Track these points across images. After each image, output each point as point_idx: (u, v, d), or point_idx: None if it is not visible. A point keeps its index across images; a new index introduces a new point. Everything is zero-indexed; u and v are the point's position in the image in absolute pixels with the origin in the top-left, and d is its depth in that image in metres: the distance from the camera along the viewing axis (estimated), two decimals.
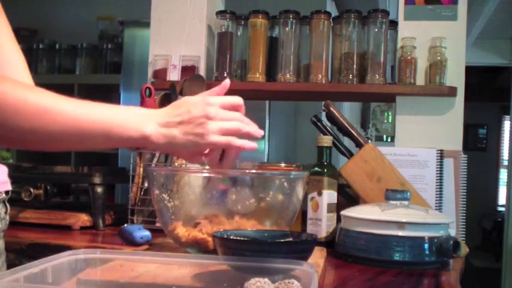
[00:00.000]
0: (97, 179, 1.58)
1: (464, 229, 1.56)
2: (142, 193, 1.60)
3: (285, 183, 1.11)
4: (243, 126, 0.87)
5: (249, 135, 0.88)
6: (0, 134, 0.78)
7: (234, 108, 0.89)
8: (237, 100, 0.90)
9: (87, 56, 3.60)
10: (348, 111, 3.70)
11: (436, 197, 1.51)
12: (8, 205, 1.01)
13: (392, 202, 1.25)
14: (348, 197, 1.50)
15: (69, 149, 0.90)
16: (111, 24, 3.73)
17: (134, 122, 0.82)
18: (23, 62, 0.99)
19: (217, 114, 0.85)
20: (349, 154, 1.51)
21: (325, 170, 1.38)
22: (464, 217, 1.57)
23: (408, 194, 1.25)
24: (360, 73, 1.75)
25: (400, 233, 1.17)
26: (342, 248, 1.25)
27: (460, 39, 1.72)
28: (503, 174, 7.29)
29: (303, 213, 1.41)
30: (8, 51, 0.96)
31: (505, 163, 5.74)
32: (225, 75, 1.81)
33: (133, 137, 0.82)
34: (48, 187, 1.67)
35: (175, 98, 1.59)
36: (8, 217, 1.01)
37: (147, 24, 1.95)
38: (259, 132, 0.89)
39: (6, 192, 1.00)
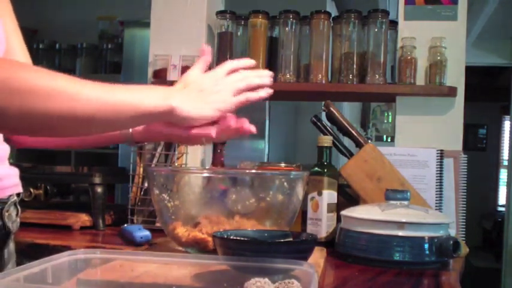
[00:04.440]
0: (97, 179, 1.58)
1: (464, 229, 1.56)
2: (142, 193, 1.60)
3: (285, 183, 1.11)
4: (251, 80, 0.95)
5: (260, 86, 0.97)
6: (28, 122, 0.76)
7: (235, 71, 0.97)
8: (234, 65, 0.98)
9: (87, 56, 3.61)
10: (348, 111, 3.70)
11: (436, 197, 1.51)
12: (19, 207, 1.01)
13: (392, 202, 1.25)
14: (348, 197, 1.50)
15: (104, 131, 0.92)
16: (111, 24, 3.73)
17: (160, 97, 0.86)
18: (29, 62, 1.01)
19: (226, 82, 0.94)
20: (349, 154, 1.51)
21: (325, 170, 1.38)
22: (464, 217, 1.57)
23: (408, 194, 1.25)
24: (360, 73, 1.75)
25: (400, 233, 1.17)
26: (342, 248, 1.25)
27: (460, 39, 1.72)
28: (503, 174, 7.29)
29: (303, 213, 1.41)
30: (17, 56, 0.99)
31: (505, 163, 5.74)
32: None
33: (162, 111, 0.85)
34: (48, 187, 1.67)
35: None
36: (19, 219, 1.01)
37: (147, 24, 1.95)
38: (267, 77, 0.97)
39: (18, 195, 1.01)
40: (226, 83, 0.95)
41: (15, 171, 1.00)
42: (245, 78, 0.96)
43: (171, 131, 0.95)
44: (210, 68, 1.02)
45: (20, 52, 1.01)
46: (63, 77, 0.79)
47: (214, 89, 0.93)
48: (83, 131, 0.86)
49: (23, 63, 0.83)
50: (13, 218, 0.99)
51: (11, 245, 1.00)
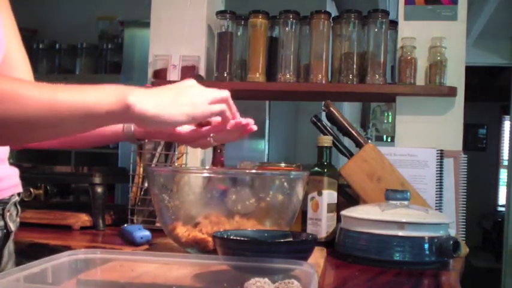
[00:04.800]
0: (97, 179, 1.58)
1: (464, 229, 1.56)
2: (142, 193, 1.60)
3: (285, 183, 1.11)
4: (231, 108, 0.90)
5: (233, 117, 0.92)
6: None
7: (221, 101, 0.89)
8: (225, 94, 0.90)
9: (87, 56, 3.61)
10: (348, 111, 3.70)
11: (436, 197, 1.51)
12: (19, 207, 1.01)
13: (392, 202, 1.25)
14: (348, 197, 1.50)
15: (50, 135, 0.82)
16: (111, 24, 3.73)
17: (113, 94, 0.77)
18: (27, 64, 1.00)
19: (204, 89, 0.87)
20: (349, 154, 1.50)
21: (325, 170, 1.38)
22: (464, 217, 1.57)
23: (408, 194, 1.25)
24: (360, 73, 1.75)
25: (400, 233, 1.17)
26: (342, 248, 1.25)
27: (460, 39, 1.72)
28: (503, 174, 7.28)
29: (303, 213, 1.41)
30: (14, 55, 0.98)
31: (505, 163, 5.74)
32: (225, 75, 1.81)
33: (115, 110, 0.76)
34: (48, 187, 1.67)
35: None
36: (18, 219, 1.01)
37: (147, 24, 1.95)
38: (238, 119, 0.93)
39: (18, 194, 1.01)
40: (204, 90, 0.86)
41: (15, 172, 1.00)
42: (228, 103, 0.89)
43: (171, 129, 0.95)
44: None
45: (17, 52, 0.99)
46: (4, 79, 0.74)
47: (187, 91, 0.84)
48: (30, 135, 0.79)
49: None
50: (14, 218, 0.99)
51: (11, 245, 1.01)
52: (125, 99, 0.77)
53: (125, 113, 0.77)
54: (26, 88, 0.73)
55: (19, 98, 0.72)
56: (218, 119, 0.92)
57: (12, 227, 0.98)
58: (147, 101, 0.78)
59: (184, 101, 0.82)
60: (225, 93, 0.89)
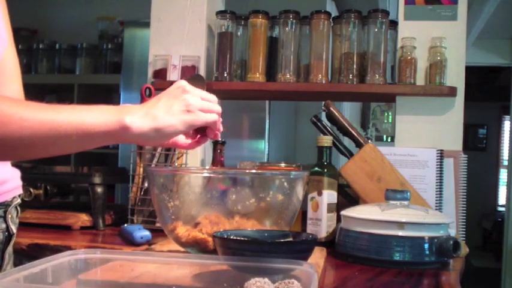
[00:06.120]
0: (97, 179, 1.58)
1: (464, 229, 1.56)
2: (142, 193, 1.60)
3: (285, 183, 1.11)
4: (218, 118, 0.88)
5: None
6: None
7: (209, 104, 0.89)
8: (213, 97, 0.90)
9: (87, 56, 3.60)
10: (348, 111, 3.70)
11: (436, 197, 1.51)
12: (19, 209, 1.01)
13: (392, 202, 1.25)
14: (348, 197, 1.50)
15: (47, 153, 0.82)
16: (111, 24, 3.73)
17: (111, 115, 0.77)
18: (17, 70, 0.98)
19: (197, 98, 0.85)
20: (349, 154, 1.50)
21: (325, 170, 1.38)
22: (464, 217, 1.57)
23: (408, 194, 1.25)
24: (360, 73, 1.75)
25: (400, 233, 1.17)
26: (342, 248, 1.25)
27: (460, 39, 1.72)
28: (503, 174, 7.29)
29: (303, 213, 1.41)
30: (6, 58, 0.95)
31: (505, 163, 5.74)
32: (225, 75, 1.81)
33: (112, 130, 0.77)
34: (48, 187, 1.67)
35: None
36: (17, 220, 1.01)
37: (147, 24, 1.95)
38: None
39: (19, 196, 1.01)
40: (195, 93, 0.85)
41: (17, 173, 1.00)
42: (217, 112, 0.88)
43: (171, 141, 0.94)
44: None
45: (9, 53, 0.96)
46: (15, 104, 0.75)
47: (180, 97, 0.83)
48: (25, 152, 0.79)
49: None
50: (14, 220, 0.99)
51: (11, 247, 1.01)
52: (122, 120, 0.77)
53: (123, 134, 0.78)
54: (23, 109, 0.74)
55: (16, 118, 0.73)
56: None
57: (14, 229, 0.98)
58: (143, 119, 0.79)
59: (180, 108, 0.82)
60: (217, 107, 0.89)
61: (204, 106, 0.85)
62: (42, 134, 0.74)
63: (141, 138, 0.80)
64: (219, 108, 0.89)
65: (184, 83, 0.86)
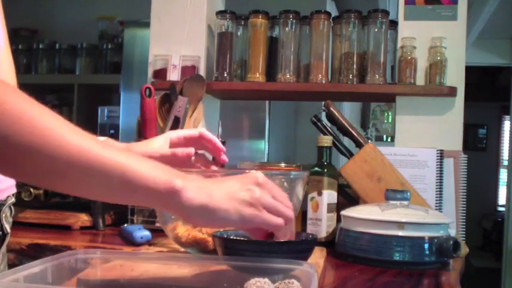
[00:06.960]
0: None
1: (464, 229, 1.56)
2: None
3: (285, 183, 1.11)
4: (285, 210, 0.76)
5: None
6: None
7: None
8: (288, 201, 0.79)
9: (87, 56, 3.60)
10: (348, 111, 3.70)
11: (436, 197, 1.51)
12: (12, 208, 1.01)
13: (392, 202, 1.25)
14: (348, 197, 1.50)
15: (76, 190, 0.69)
16: (111, 24, 3.72)
17: (163, 172, 0.67)
18: (12, 69, 0.97)
19: (267, 194, 0.74)
20: (349, 154, 1.50)
21: (325, 170, 1.38)
22: (464, 217, 1.57)
23: (408, 194, 1.25)
24: (360, 73, 1.75)
25: (400, 233, 1.17)
26: (342, 248, 1.25)
27: (460, 39, 1.72)
28: (503, 174, 7.28)
29: (303, 213, 1.41)
30: (1, 58, 0.92)
31: (505, 163, 5.74)
32: (225, 75, 1.81)
33: (159, 188, 0.66)
34: None
35: (175, 98, 1.58)
36: (11, 220, 1.01)
37: (147, 24, 1.95)
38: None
39: (13, 195, 1.01)
40: (269, 189, 0.73)
41: None
42: (288, 217, 0.77)
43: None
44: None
45: (3, 51, 0.93)
46: (51, 115, 0.63)
47: (249, 186, 0.72)
48: (56, 183, 0.67)
49: (15, 89, 0.64)
50: (9, 219, 0.99)
51: (4, 247, 1.00)
52: (173, 182, 0.67)
53: (169, 198, 0.67)
54: (73, 133, 0.63)
55: (56, 135, 0.62)
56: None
57: (8, 228, 0.98)
58: (197, 191, 0.68)
59: (242, 197, 0.71)
60: (289, 213, 0.78)
61: (273, 206, 0.75)
62: (80, 164, 0.63)
63: (186, 211, 0.69)
64: (291, 214, 0.78)
65: (260, 174, 0.76)
